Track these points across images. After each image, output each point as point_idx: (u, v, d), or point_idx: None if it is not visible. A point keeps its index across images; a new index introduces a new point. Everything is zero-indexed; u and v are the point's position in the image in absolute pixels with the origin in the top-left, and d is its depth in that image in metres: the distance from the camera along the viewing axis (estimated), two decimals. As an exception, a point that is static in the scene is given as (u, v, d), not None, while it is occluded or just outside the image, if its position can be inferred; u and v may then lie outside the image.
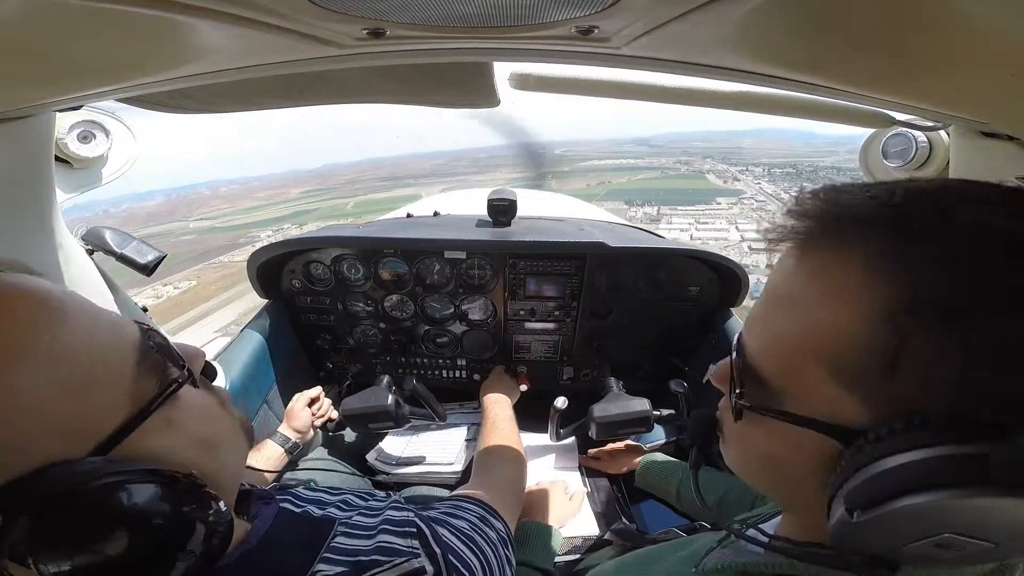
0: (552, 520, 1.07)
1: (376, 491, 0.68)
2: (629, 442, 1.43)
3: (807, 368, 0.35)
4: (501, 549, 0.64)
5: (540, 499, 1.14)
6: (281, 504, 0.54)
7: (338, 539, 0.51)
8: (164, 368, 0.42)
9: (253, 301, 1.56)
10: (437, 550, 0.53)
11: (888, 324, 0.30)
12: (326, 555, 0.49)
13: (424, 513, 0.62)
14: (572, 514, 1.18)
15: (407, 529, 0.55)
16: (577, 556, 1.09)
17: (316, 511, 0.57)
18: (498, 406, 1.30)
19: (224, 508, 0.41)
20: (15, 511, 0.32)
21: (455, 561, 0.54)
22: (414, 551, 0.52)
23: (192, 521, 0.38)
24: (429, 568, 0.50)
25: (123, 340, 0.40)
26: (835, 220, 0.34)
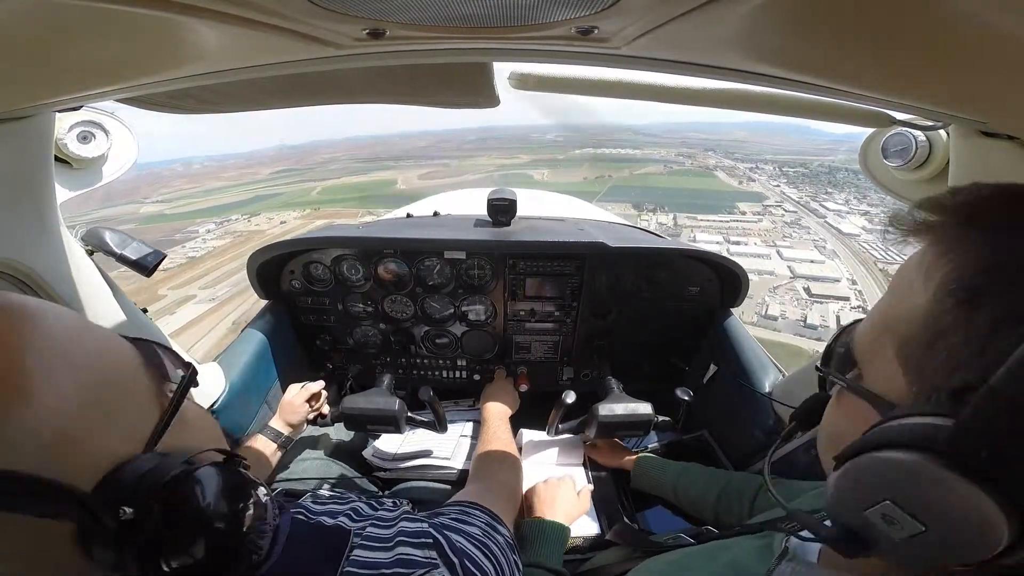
0: (562, 517, 1.06)
1: (384, 499, 0.68)
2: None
3: (884, 347, 0.36)
4: (509, 554, 0.66)
5: (550, 496, 1.11)
6: (294, 515, 0.54)
7: (356, 552, 0.52)
8: (164, 369, 0.42)
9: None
10: (455, 559, 0.54)
11: (941, 302, 0.32)
12: (347, 568, 0.50)
13: (436, 520, 0.63)
14: (582, 511, 1.17)
15: (424, 540, 0.56)
16: (580, 556, 1.08)
17: (329, 521, 0.58)
18: (498, 420, 1.30)
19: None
20: (142, 502, 0.32)
21: (471, 567, 0.55)
22: (432, 562, 0.53)
23: (252, 493, 0.41)
24: None
25: (124, 345, 0.40)
26: (941, 211, 0.35)
